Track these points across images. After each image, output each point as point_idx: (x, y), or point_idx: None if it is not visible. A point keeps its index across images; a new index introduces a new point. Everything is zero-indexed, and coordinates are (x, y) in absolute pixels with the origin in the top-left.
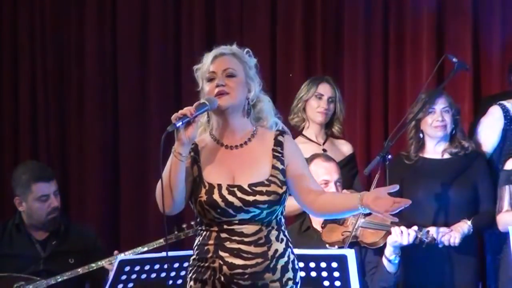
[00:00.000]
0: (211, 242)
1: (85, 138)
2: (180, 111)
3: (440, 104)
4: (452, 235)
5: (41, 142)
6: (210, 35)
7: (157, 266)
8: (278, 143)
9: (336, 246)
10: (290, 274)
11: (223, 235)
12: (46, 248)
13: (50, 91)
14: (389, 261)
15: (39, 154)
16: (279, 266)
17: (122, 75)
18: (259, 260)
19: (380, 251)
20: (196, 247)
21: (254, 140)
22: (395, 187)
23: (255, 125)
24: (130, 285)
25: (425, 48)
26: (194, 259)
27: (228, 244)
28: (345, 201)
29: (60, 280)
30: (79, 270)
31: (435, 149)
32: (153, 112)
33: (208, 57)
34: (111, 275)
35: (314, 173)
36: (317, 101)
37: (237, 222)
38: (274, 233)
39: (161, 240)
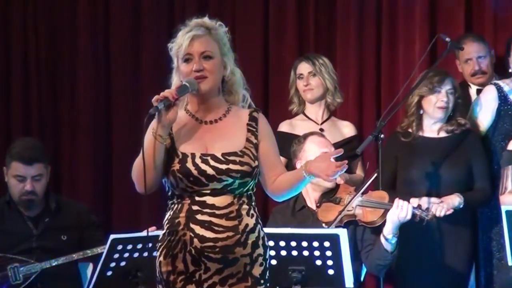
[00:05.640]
0: (182, 214)
1: (77, 117)
2: (161, 93)
3: (447, 85)
4: (441, 205)
5: (33, 119)
6: (202, 13)
7: (149, 245)
8: (252, 119)
9: (333, 226)
10: (260, 250)
11: (195, 207)
12: (38, 225)
13: (42, 64)
14: (386, 239)
15: (32, 130)
16: (249, 241)
17: (114, 53)
18: (230, 233)
19: (377, 229)
20: (166, 222)
21: (229, 116)
22: (340, 151)
23: (229, 103)
24: (123, 263)
25: (418, 26)
26: (164, 233)
27: (199, 217)
28: (294, 174)
29: (54, 264)
30: (73, 255)
31: (431, 127)
32: (146, 89)
33: (184, 37)
34: (104, 253)
35: (311, 150)
36: (301, 82)
37: (208, 192)
38: (245, 207)
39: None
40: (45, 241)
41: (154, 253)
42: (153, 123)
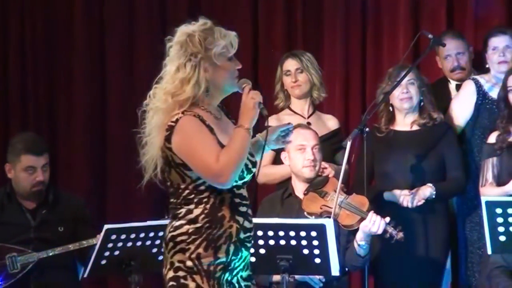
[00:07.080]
0: (225, 207)
1: (73, 111)
2: (259, 95)
3: (405, 77)
4: (412, 196)
5: (30, 113)
6: (193, 10)
7: (142, 235)
8: (226, 113)
9: (313, 217)
10: None
11: (236, 200)
12: (36, 217)
13: (39, 59)
14: (359, 245)
15: (28, 124)
16: None
17: (109, 44)
18: (253, 221)
19: (355, 231)
20: (203, 216)
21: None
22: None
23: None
24: (116, 252)
25: (402, 23)
26: (200, 227)
27: (241, 208)
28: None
29: (51, 254)
30: (70, 246)
31: (404, 121)
32: (140, 84)
33: (230, 37)
34: (98, 243)
35: (294, 142)
36: (288, 78)
37: (241, 185)
38: None
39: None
40: (43, 232)
41: (147, 243)
42: (246, 120)
